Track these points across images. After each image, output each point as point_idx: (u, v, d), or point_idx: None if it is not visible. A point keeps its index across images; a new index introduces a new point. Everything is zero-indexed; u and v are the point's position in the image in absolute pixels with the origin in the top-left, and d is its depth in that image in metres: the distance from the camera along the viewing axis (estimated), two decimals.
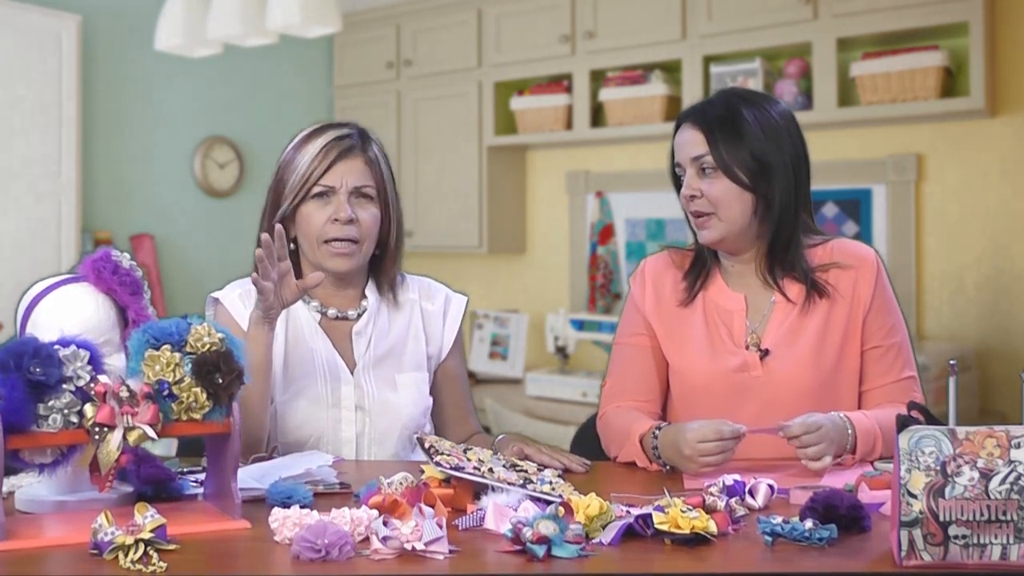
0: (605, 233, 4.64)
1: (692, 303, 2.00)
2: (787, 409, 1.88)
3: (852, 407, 1.93)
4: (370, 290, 2.07)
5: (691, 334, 1.99)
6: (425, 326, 2.09)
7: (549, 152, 4.91)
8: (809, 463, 1.73)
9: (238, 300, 2.01)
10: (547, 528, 1.28)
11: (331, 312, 2.03)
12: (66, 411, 1.37)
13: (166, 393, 1.41)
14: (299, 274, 1.98)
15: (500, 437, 2.00)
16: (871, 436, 1.81)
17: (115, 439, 1.36)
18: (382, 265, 2.07)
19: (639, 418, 1.92)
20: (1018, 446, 1.21)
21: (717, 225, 1.92)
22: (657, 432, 1.83)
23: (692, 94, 4.08)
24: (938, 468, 1.21)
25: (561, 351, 4.51)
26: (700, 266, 2.02)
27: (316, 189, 1.95)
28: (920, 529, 1.21)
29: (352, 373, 2.00)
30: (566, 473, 1.78)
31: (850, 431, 1.80)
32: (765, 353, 1.94)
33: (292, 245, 1.98)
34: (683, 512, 1.34)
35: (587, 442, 2.15)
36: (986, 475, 1.20)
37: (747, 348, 1.95)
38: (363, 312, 2.05)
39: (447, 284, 2.20)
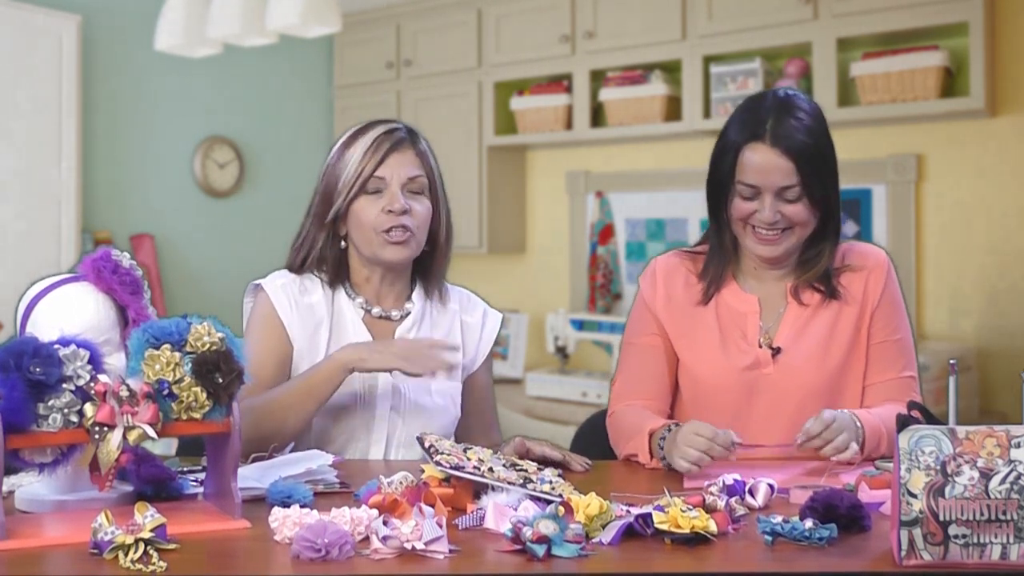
0: (605, 233, 4.64)
1: (706, 304, 2.00)
2: (796, 407, 1.89)
3: (856, 406, 1.93)
4: (416, 294, 2.06)
5: (704, 332, 1.99)
6: (463, 337, 2.09)
7: (549, 152, 4.91)
8: (838, 456, 1.73)
9: (280, 290, 1.99)
10: (547, 527, 1.28)
11: (376, 311, 2.02)
12: (66, 410, 1.37)
13: (166, 392, 1.41)
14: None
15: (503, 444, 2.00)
16: (877, 433, 1.82)
17: (115, 439, 1.36)
18: (432, 263, 2.06)
19: (653, 417, 1.92)
20: (1018, 446, 1.21)
21: (787, 241, 1.92)
22: (670, 431, 1.82)
23: (692, 94, 4.08)
24: (938, 468, 1.21)
25: (561, 351, 4.51)
26: (716, 263, 2.02)
27: (370, 184, 1.95)
28: (920, 529, 1.21)
29: (391, 374, 1.98)
30: (566, 473, 1.78)
31: (859, 425, 1.81)
32: (777, 351, 1.94)
33: (343, 243, 2.00)
34: (683, 512, 1.33)
35: (587, 442, 2.15)
36: (986, 475, 1.20)
37: (760, 346, 1.95)
38: (407, 314, 2.04)
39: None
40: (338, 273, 2.01)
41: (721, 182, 1.96)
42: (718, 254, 2.01)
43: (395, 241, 1.95)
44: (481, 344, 2.11)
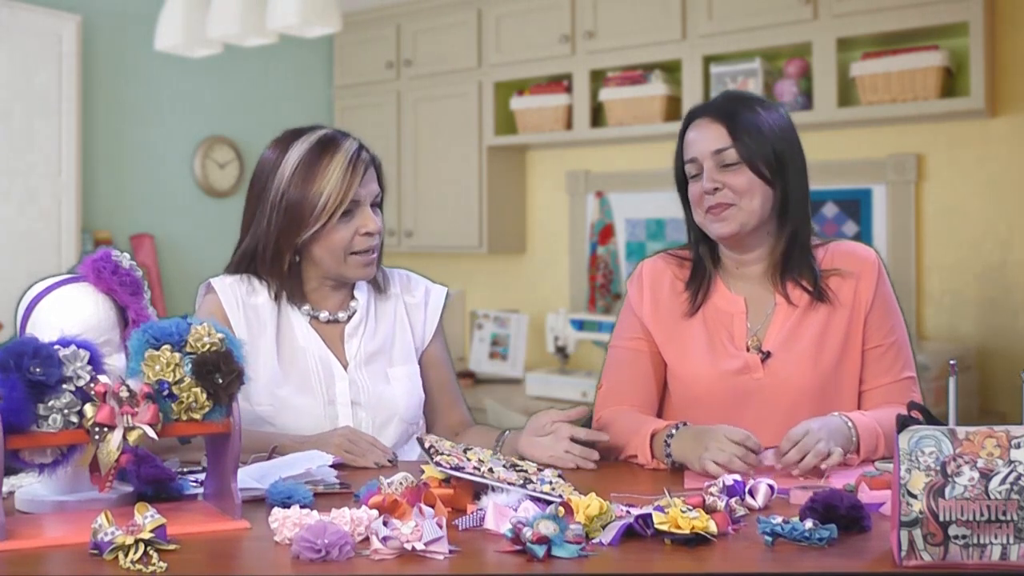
0: (605, 233, 4.64)
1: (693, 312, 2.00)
2: (786, 411, 1.88)
3: (851, 410, 1.92)
4: (359, 290, 2.09)
5: (691, 338, 1.98)
6: (409, 318, 2.12)
7: (549, 152, 4.91)
8: (826, 463, 1.70)
9: (228, 288, 2.02)
10: (547, 528, 1.28)
11: (323, 316, 2.04)
12: (66, 411, 1.37)
13: (166, 393, 1.41)
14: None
15: (506, 434, 2.01)
16: (873, 434, 1.81)
17: (115, 439, 1.36)
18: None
19: (650, 419, 1.92)
20: (1018, 446, 1.21)
21: (736, 216, 1.91)
22: (676, 429, 1.81)
23: (692, 94, 4.08)
24: (938, 468, 1.21)
25: (561, 351, 4.51)
26: (700, 274, 2.01)
27: (347, 207, 1.95)
28: (920, 529, 1.21)
29: (346, 370, 2.01)
30: (566, 473, 1.78)
31: (851, 426, 1.80)
32: (767, 355, 1.93)
33: (296, 257, 2.00)
34: (683, 512, 1.33)
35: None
36: (986, 475, 1.20)
37: (748, 350, 1.94)
38: (353, 313, 2.06)
39: (447, 284, 2.22)
40: (293, 286, 2.02)
41: (680, 180, 2.00)
42: (699, 266, 2.02)
43: (367, 262, 1.99)
44: (427, 321, 2.13)
